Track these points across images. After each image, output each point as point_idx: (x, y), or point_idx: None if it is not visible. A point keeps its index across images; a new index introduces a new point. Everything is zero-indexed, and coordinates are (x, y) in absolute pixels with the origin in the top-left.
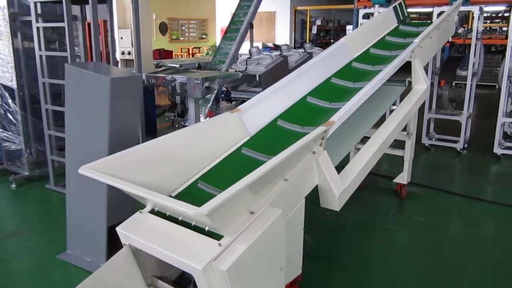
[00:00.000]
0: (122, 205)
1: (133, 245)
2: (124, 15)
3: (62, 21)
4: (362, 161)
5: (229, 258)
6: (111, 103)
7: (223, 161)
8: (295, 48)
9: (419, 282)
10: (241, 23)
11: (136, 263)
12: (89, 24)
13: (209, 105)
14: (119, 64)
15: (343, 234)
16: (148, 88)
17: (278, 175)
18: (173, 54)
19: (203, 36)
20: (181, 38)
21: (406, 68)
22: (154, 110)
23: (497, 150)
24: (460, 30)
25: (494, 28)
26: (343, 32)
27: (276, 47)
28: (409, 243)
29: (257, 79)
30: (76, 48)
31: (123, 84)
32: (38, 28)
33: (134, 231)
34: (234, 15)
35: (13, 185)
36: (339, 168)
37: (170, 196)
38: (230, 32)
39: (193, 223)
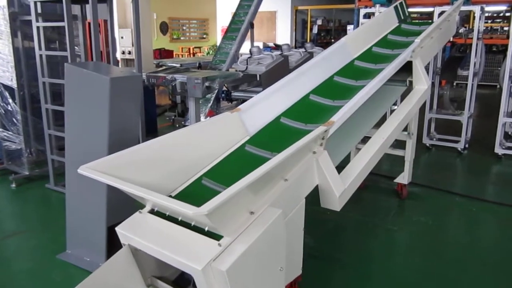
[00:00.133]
0: (122, 205)
1: (133, 245)
2: (124, 15)
3: (62, 20)
4: (363, 161)
5: (229, 259)
6: (111, 102)
7: (227, 158)
8: (296, 47)
9: (419, 282)
10: (242, 23)
11: (135, 263)
12: (89, 23)
13: (209, 105)
14: (120, 64)
15: (343, 234)
16: (149, 88)
17: (278, 175)
18: (174, 53)
19: (204, 36)
20: (181, 38)
21: (407, 68)
22: (155, 110)
23: (498, 150)
24: (461, 30)
25: (495, 28)
26: (344, 32)
27: (277, 47)
28: (409, 243)
29: (258, 78)
30: (76, 47)
31: (123, 84)
32: (38, 27)
33: (134, 231)
34: (235, 14)
35: (13, 185)
36: (340, 168)
37: (170, 196)
38: (231, 31)
39: (192, 223)
